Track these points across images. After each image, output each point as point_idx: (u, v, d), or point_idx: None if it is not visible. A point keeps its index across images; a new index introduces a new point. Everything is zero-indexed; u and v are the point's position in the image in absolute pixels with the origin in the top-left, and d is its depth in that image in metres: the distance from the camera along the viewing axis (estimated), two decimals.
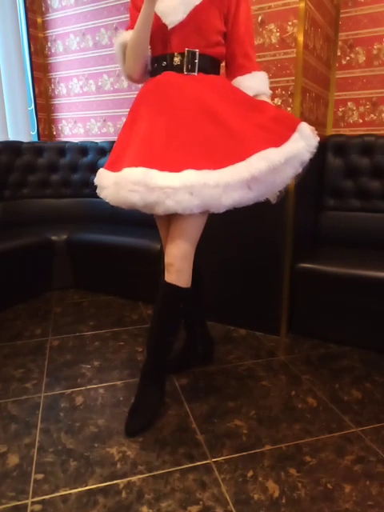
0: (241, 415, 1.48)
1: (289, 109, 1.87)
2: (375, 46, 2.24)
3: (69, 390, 1.65)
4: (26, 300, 2.60)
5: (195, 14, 1.31)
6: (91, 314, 2.41)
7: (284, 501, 1.11)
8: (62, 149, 3.14)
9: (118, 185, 1.31)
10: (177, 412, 1.50)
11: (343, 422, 1.44)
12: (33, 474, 1.21)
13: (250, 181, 1.25)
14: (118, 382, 1.70)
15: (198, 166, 1.23)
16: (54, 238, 2.68)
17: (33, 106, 3.38)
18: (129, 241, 2.51)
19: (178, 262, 1.39)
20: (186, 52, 1.34)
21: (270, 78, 1.49)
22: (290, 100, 1.86)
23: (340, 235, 2.26)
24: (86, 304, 2.57)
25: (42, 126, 3.50)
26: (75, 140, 3.32)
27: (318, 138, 1.36)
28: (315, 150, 1.35)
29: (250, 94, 1.41)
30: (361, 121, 2.35)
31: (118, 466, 1.24)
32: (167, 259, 1.41)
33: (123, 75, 1.51)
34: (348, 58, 2.32)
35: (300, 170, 1.34)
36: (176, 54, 1.36)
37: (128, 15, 1.52)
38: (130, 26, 1.43)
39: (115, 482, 1.18)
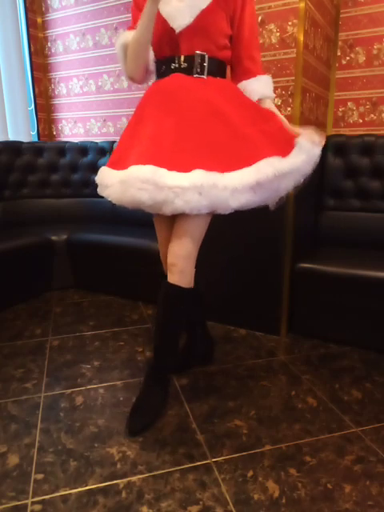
0: (241, 415, 1.48)
1: (289, 109, 1.87)
2: (375, 46, 2.24)
3: (69, 390, 1.65)
4: (26, 300, 2.60)
5: (202, 18, 1.31)
6: (91, 314, 2.41)
7: (284, 501, 1.11)
8: (62, 149, 3.14)
9: (124, 183, 1.29)
10: (177, 412, 1.50)
11: (343, 421, 1.44)
12: (33, 474, 1.21)
13: (255, 186, 1.26)
14: (118, 382, 1.70)
15: (207, 167, 1.24)
16: (54, 238, 2.68)
17: (33, 106, 3.38)
18: (129, 241, 2.51)
19: (181, 263, 1.38)
20: (195, 55, 1.34)
21: None
22: (290, 100, 1.86)
23: (340, 235, 2.26)
24: (86, 304, 2.57)
25: (42, 125, 3.50)
26: (75, 140, 3.32)
27: (321, 145, 1.37)
28: (318, 159, 1.37)
29: (255, 97, 1.42)
30: (361, 121, 2.35)
31: (118, 466, 1.24)
32: (170, 259, 1.40)
33: (124, 76, 1.51)
34: (348, 58, 2.32)
35: (301, 181, 1.36)
36: (185, 56, 1.36)
37: (129, 15, 1.52)
38: (132, 26, 1.42)
39: (115, 481, 1.18)
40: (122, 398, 1.59)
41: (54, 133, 3.55)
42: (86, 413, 1.50)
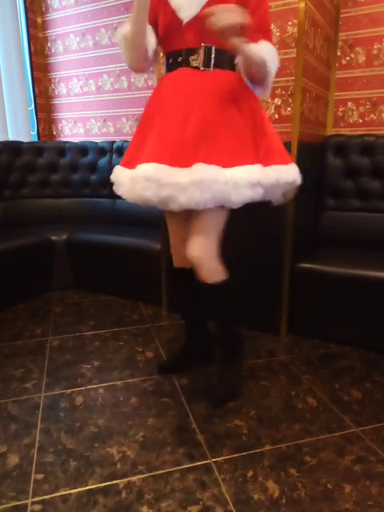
0: (241, 415, 1.48)
1: (289, 109, 1.87)
2: (375, 46, 2.24)
3: (69, 390, 1.65)
4: (26, 300, 2.60)
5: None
6: (91, 314, 2.41)
7: (284, 501, 1.11)
8: (62, 149, 3.14)
9: (132, 181, 1.33)
10: (177, 412, 1.50)
11: (343, 421, 1.44)
12: (33, 474, 1.21)
13: (257, 184, 1.28)
14: (118, 382, 1.70)
15: (208, 160, 1.25)
16: (54, 238, 2.68)
17: (33, 106, 3.38)
18: (129, 241, 2.51)
19: (203, 262, 1.43)
20: (202, 47, 1.33)
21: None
22: (290, 100, 1.86)
23: (340, 235, 2.26)
24: (86, 304, 2.57)
25: (42, 125, 3.50)
26: (75, 140, 3.32)
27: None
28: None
29: (254, 59, 1.32)
30: (361, 121, 2.35)
31: (118, 466, 1.24)
32: (192, 260, 1.44)
33: (126, 65, 1.51)
34: (348, 58, 2.32)
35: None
36: (191, 49, 1.35)
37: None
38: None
39: (115, 481, 1.18)
40: (121, 398, 1.59)
41: (54, 133, 3.55)
42: (86, 413, 1.50)
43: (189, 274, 1.61)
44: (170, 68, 1.41)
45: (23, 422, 1.45)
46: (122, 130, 3.18)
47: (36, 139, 3.43)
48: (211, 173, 1.23)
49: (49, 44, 3.39)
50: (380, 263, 1.87)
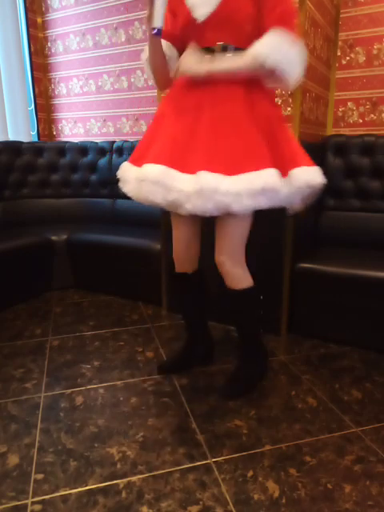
0: (241, 415, 1.48)
1: (289, 109, 1.87)
2: (375, 46, 2.24)
3: (69, 390, 1.65)
4: (26, 300, 2.60)
5: (226, 4, 1.26)
6: (91, 314, 2.41)
7: (284, 501, 1.11)
8: (62, 149, 3.14)
9: (140, 181, 1.33)
10: (177, 412, 1.50)
11: (343, 421, 1.44)
12: (33, 474, 1.21)
13: (261, 192, 1.23)
14: (118, 382, 1.70)
15: (211, 167, 1.23)
16: (54, 238, 2.68)
17: (33, 106, 3.38)
18: (129, 241, 2.51)
19: (228, 268, 1.44)
20: (217, 46, 1.31)
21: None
22: (290, 100, 1.86)
23: (340, 235, 2.26)
24: (86, 304, 2.57)
25: (42, 125, 3.50)
26: (75, 140, 3.32)
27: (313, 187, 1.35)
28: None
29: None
30: (361, 121, 2.35)
31: (118, 466, 1.24)
32: (218, 266, 1.46)
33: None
34: (348, 58, 2.32)
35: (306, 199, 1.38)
36: (207, 48, 1.33)
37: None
38: (165, 30, 1.41)
39: (115, 481, 1.18)
40: (121, 398, 1.59)
41: (54, 133, 3.55)
42: (86, 413, 1.50)
43: (191, 278, 1.62)
44: None
45: (23, 422, 1.45)
46: (122, 130, 3.18)
47: (36, 139, 3.43)
48: (212, 183, 1.21)
49: (49, 44, 3.39)
50: (380, 263, 1.87)
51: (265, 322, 2.11)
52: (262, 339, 1.69)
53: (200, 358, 1.82)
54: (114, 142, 3.02)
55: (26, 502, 1.12)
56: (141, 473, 1.21)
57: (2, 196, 2.94)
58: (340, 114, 2.40)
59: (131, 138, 3.07)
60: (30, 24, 3.28)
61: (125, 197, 3.26)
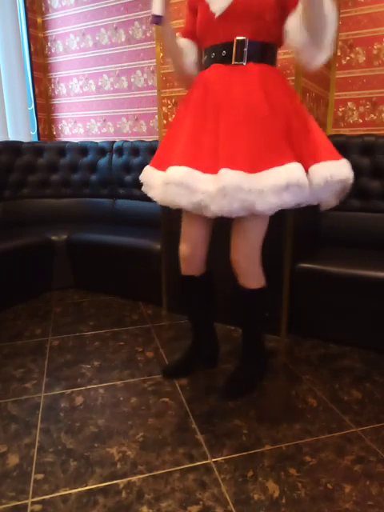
0: (241, 415, 1.48)
1: None
2: (375, 46, 2.24)
3: (69, 390, 1.65)
4: (26, 300, 2.60)
5: None
6: (91, 314, 2.41)
7: (284, 501, 1.11)
8: (62, 149, 3.14)
9: (165, 184, 1.32)
10: (177, 412, 1.50)
11: (343, 421, 1.44)
12: (33, 474, 1.21)
13: (285, 187, 1.20)
14: (118, 382, 1.70)
15: (232, 165, 1.21)
16: (54, 238, 2.68)
17: (33, 106, 3.38)
18: (129, 241, 2.51)
19: (243, 266, 1.44)
20: (235, 41, 1.30)
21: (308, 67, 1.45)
22: None
23: (340, 235, 2.26)
24: (86, 304, 2.57)
25: (42, 125, 3.50)
26: (75, 140, 3.32)
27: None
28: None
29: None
30: (361, 121, 2.35)
31: (118, 466, 1.24)
32: (233, 264, 1.46)
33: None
34: (348, 58, 2.32)
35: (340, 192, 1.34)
36: (224, 44, 1.32)
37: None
38: (184, 29, 1.45)
39: (115, 481, 1.18)
40: (121, 398, 1.59)
41: (54, 133, 3.55)
42: (85, 413, 1.50)
43: (199, 280, 1.61)
44: (205, 65, 1.40)
45: (23, 422, 1.45)
46: (122, 130, 3.18)
47: (36, 139, 3.43)
48: (234, 180, 1.19)
49: (49, 44, 3.39)
50: (380, 263, 1.87)
51: (265, 322, 2.11)
52: (264, 340, 1.70)
53: (206, 360, 1.80)
54: (113, 142, 3.02)
55: (26, 501, 1.12)
56: (141, 473, 1.21)
57: (2, 196, 2.94)
58: (340, 114, 2.40)
59: (131, 138, 3.07)
60: (30, 24, 3.28)
61: (125, 197, 3.26)
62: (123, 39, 2.99)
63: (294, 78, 1.82)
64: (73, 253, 2.72)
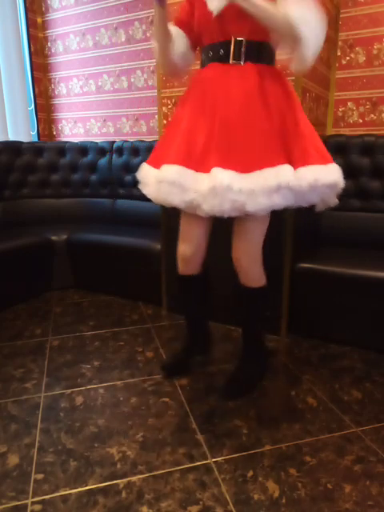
0: (241, 415, 1.48)
1: None
2: (375, 46, 2.24)
3: (69, 390, 1.65)
4: (26, 300, 2.60)
5: None
6: (91, 314, 2.41)
7: (284, 501, 1.11)
8: (62, 149, 3.14)
9: (158, 182, 1.33)
10: (177, 412, 1.50)
11: (343, 421, 1.44)
12: (33, 474, 1.21)
13: (275, 189, 1.21)
14: (118, 382, 1.70)
15: (225, 165, 1.22)
16: (54, 238, 2.68)
17: (33, 105, 3.38)
18: (129, 241, 2.51)
19: (244, 265, 1.45)
20: (232, 40, 1.29)
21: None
22: None
23: (340, 235, 2.26)
24: (86, 304, 2.57)
25: (42, 125, 3.50)
26: (75, 140, 3.32)
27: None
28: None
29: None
30: (361, 121, 2.35)
31: (118, 466, 1.24)
32: (234, 262, 1.47)
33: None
34: (348, 58, 2.32)
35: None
36: (221, 42, 1.31)
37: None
38: (178, 17, 1.42)
39: (115, 481, 1.18)
40: (121, 398, 1.59)
41: (54, 133, 3.55)
42: (85, 413, 1.50)
43: (197, 280, 1.62)
44: (203, 63, 1.40)
45: (23, 422, 1.45)
46: (122, 130, 3.18)
47: (36, 139, 3.43)
48: (225, 180, 1.19)
49: (49, 44, 3.39)
50: (380, 263, 1.87)
51: (265, 323, 2.11)
52: (265, 340, 1.70)
53: (199, 351, 1.82)
54: (113, 142, 3.02)
55: (26, 501, 1.12)
56: (141, 473, 1.21)
57: (2, 196, 2.94)
58: (340, 114, 2.40)
59: (131, 138, 3.07)
60: (30, 24, 3.28)
61: (125, 197, 3.26)
62: (123, 39, 2.99)
63: (294, 78, 1.82)
64: (73, 253, 2.72)
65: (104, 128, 3.27)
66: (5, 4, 3.07)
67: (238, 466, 1.24)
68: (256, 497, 1.13)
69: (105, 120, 3.25)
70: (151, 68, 2.92)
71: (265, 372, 1.70)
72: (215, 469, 1.23)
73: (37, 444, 1.34)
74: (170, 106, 2.13)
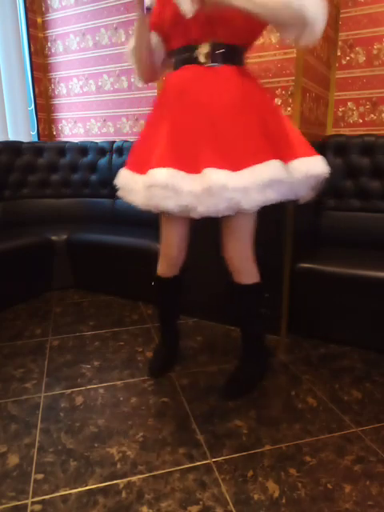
0: (241, 415, 1.48)
1: (289, 109, 1.87)
2: (375, 46, 2.24)
3: (69, 390, 1.65)
4: (26, 300, 2.60)
5: None
6: (91, 314, 2.41)
7: (284, 501, 1.11)
8: (62, 149, 3.14)
9: (148, 187, 1.29)
10: (177, 412, 1.50)
11: (343, 421, 1.44)
12: (33, 474, 1.21)
13: (268, 184, 1.23)
14: (118, 382, 1.70)
15: (216, 164, 1.22)
16: (54, 238, 2.68)
17: (33, 106, 3.38)
18: (129, 241, 2.51)
19: (238, 263, 1.45)
20: (209, 43, 1.29)
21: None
22: (290, 100, 1.86)
23: (340, 235, 2.26)
24: (86, 304, 2.57)
25: (42, 125, 3.50)
26: (75, 140, 3.32)
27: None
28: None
29: None
30: (361, 121, 2.35)
31: (118, 466, 1.24)
32: (227, 262, 1.47)
33: (137, 77, 1.52)
34: (348, 58, 2.32)
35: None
36: (198, 45, 1.30)
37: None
38: (151, 20, 1.40)
39: (115, 481, 1.18)
40: (121, 398, 1.59)
41: (54, 133, 3.55)
42: (86, 413, 1.50)
43: (174, 280, 1.65)
44: (176, 66, 1.38)
45: (23, 422, 1.45)
46: (122, 129, 3.18)
47: (36, 139, 3.43)
48: (221, 179, 1.20)
49: (49, 44, 3.39)
50: (380, 263, 1.87)
51: (265, 322, 2.11)
52: (265, 339, 1.70)
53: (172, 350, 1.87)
54: (114, 142, 3.02)
55: (26, 501, 1.12)
56: (141, 473, 1.21)
57: (2, 196, 2.94)
58: (340, 114, 2.40)
59: (131, 138, 3.07)
60: (30, 24, 3.28)
61: None
62: (123, 39, 2.99)
63: (293, 78, 1.82)
64: (73, 253, 2.72)
65: (104, 128, 3.27)
66: (5, 4, 3.07)
67: (238, 465, 1.24)
68: (256, 497, 1.13)
69: (105, 120, 3.25)
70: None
71: (265, 372, 1.70)
72: (215, 469, 1.23)
73: (37, 444, 1.34)
74: None
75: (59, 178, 3.12)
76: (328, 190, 2.30)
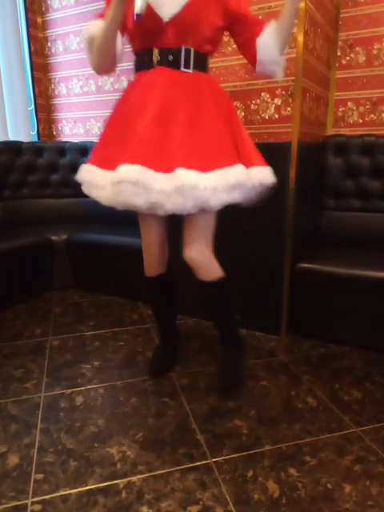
0: (241, 415, 1.48)
1: (289, 109, 1.87)
2: (375, 46, 2.24)
3: (69, 390, 1.65)
4: (26, 300, 2.60)
5: (192, 7, 1.27)
6: (91, 314, 2.41)
7: (284, 501, 1.11)
8: (62, 149, 3.13)
9: (116, 183, 1.28)
10: (177, 412, 1.50)
11: (343, 421, 1.44)
12: (33, 474, 1.21)
13: (235, 186, 1.30)
14: (118, 382, 1.70)
15: (187, 164, 1.26)
16: (54, 238, 2.68)
17: (33, 106, 3.38)
18: (129, 241, 2.50)
19: (200, 261, 1.47)
20: (183, 49, 1.32)
21: (270, 77, 1.50)
22: (290, 100, 1.86)
23: (340, 235, 2.26)
24: (86, 304, 2.57)
25: (42, 125, 3.50)
26: (75, 140, 3.32)
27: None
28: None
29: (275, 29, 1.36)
30: (361, 121, 2.35)
31: (118, 466, 1.24)
32: (189, 262, 1.48)
33: (90, 66, 1.46)
34: (348, 58, 2.32)
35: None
36: (171, 49, 1.32)
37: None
38: (103, 14, 1.39)
39: (115, 481, 1.18)
40: (121, 398, 1.59)
41: (54, 133, 3.55)
42: (85, 413, 1.50)
43: (162, 277, 1.67)
44: (144, 66, 1.38)
45: (23, 422, 1.45)
46: None
47: (36, 139, 3.43)
48: (192, 179, 1.24)
49: (49, 44, 3.39)
50: (380, 263, 1.87)
51: (264, 322, 2.11)
52: (237, 326, 1.77)
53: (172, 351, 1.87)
54: None
55: (26, 501, 1.12)
56: (141, 473, 1.21)
57: (2, 196, 2.94)
58: (340, 114, 2.40)
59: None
60: (30, 24, 3.27)
61: None
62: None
63: (293, 78, 1.82)
64: (73, 253, 2.72)
65: None
66: (5, 4, 3.07)
67: (237, 465, 1.24)
68: (256, 497, 1.13)
69: (105, 120, 3.24)
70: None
71: (245, 356, 1.78)
72: (215, 469, 1.23)
73: (37, 444, 1.34)
74: None
75: (59, 177, 3.12)
76: (328, 190, 2.30)
